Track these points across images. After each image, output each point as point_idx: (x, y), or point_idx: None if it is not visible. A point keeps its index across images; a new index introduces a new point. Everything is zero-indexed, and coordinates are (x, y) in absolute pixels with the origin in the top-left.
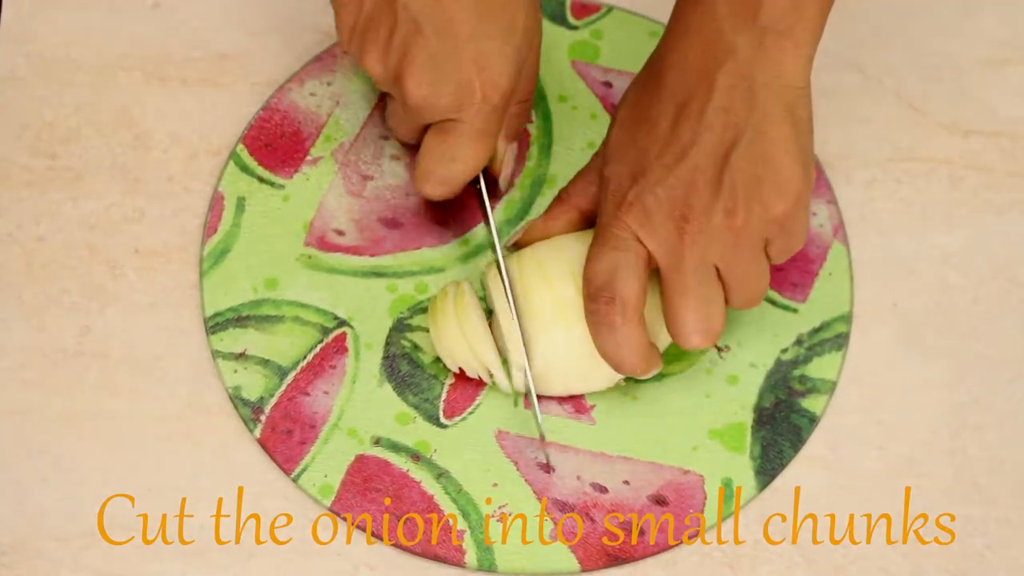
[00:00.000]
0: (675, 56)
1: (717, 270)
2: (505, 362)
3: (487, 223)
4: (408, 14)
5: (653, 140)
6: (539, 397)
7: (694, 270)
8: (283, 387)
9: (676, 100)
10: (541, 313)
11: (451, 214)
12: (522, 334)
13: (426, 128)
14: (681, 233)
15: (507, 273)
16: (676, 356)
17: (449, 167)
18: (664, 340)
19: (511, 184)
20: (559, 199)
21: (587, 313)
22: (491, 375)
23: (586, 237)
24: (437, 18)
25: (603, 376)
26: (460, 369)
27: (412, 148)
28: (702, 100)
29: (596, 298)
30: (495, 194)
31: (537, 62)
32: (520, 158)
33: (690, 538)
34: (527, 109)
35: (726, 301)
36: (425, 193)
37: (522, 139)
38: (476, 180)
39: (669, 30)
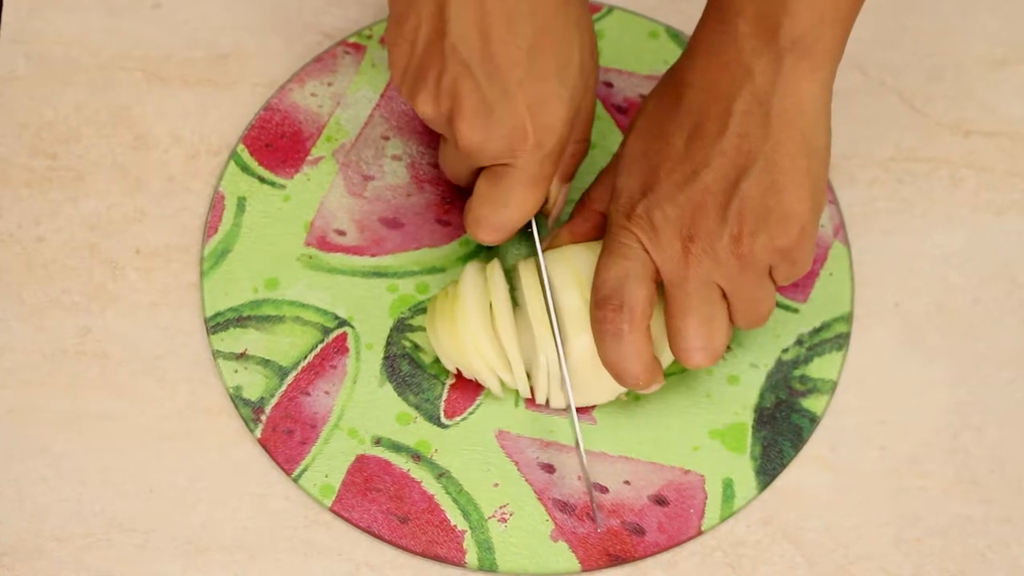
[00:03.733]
0: (695, 74)
1: (722, 290)
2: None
3: (538, 265)
4: (457, 57)
5: (666, 156)
6: (540, 406)
7: (697, 289)
8: (284, 387)
9: (692, 119)
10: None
11: (453, 215)
12: (524, 341)
13: (479, 171)
14: (686, 252)
15: (510, 280)
16: None
17: (501, 213)
18: (668, 357)
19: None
20: (581, 204)
21: (594, 321)
22: (491, 379)
23: (595, 247)
24: (487, 61)
25: (604, 389)
26: (458, 370)
27: (462, 190)
28: (718, 123)
29: (604, 305)
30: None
31: (594, 101)
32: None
33: (691, 538)
34: (584, 149)
35: (731, 321)
36: (478, 239)
37: None
38: (528, 223)
39: (691, 44)
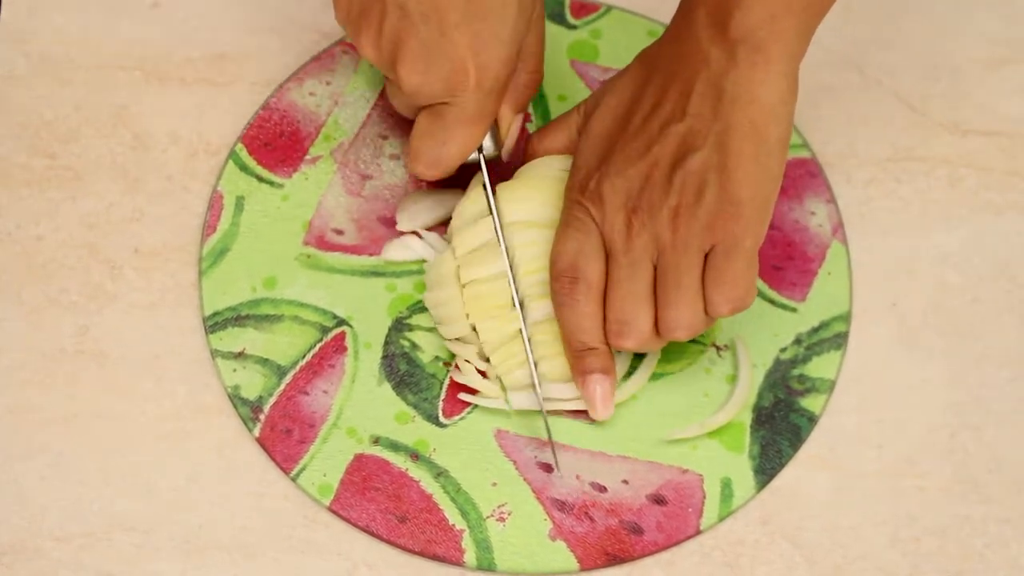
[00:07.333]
0: (660, 58)
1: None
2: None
3: (488, 197)
4: (396, 2)
5: (622, 133)
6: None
7: (631, 263)
8: (282, 386)
9: (652, 100)
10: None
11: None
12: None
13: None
14: (628, 225)
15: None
16: (675, 355)
17: (439, 150)
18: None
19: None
20: (557, 120)
21: (552, 292)
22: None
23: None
24: (424, 4)
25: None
26: (456, 365)
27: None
28: (674, 104)
29: (560, 278)
30: (498, 162)
31: (542, 32)
32: (520, 138)
33: (689, 538)
34: (537, 81)
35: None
36: (416, 173)
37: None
38: (480, 150)
39: (664, 32)
